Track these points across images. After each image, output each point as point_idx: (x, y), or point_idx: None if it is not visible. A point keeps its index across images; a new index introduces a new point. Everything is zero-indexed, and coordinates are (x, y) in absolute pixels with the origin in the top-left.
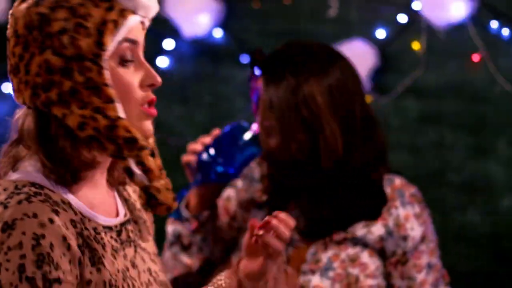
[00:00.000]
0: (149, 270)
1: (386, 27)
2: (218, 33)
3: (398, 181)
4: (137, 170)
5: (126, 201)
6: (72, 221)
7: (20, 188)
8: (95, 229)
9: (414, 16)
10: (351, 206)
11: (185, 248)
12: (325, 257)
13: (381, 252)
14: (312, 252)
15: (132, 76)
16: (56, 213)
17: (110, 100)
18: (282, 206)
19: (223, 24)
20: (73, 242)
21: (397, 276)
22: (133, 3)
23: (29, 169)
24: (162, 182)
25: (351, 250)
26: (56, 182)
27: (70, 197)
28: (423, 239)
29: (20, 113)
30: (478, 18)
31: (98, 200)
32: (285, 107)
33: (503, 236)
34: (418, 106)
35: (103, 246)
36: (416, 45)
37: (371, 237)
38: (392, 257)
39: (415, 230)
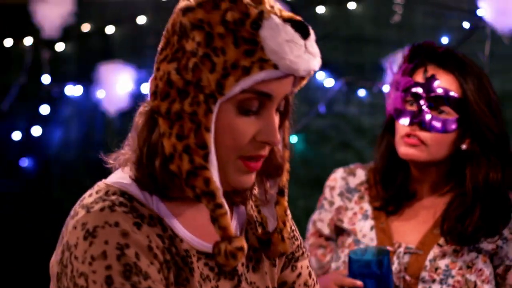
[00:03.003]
0: None
1: (450, 33)
2: None
3: None
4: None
5: (249, 225)
6: (159, 235)
7: (109, 195)
8: (186, 251)
9: (479, 22)
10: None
11: None
12: (443, 264)
13: (491, 258)
14: (430, 259)
15: (247, 126)
16: (138, 226)
17: (203, 146)
18: (396, 211)
19: None
20: (160, 254)
21: (501, 283)
22: (278, 59)
23: (127, 177)
24: (287, 231)
25: (467, 257)
26: (150, 194)
27: (164, 212)
28: None
29: (142, 105)
30: None
31: (200, 221)
32: None
33: None
34: None
35: (191, 270)
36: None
37: (488, 246)
38: (501, 264)
39: None
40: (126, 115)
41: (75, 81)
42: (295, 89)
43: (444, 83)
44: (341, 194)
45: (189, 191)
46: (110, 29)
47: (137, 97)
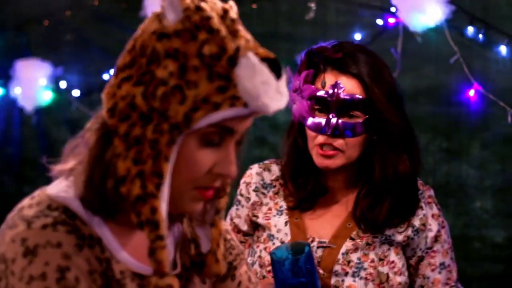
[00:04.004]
0: None
1: (363, 30)
2: None
3: (419, 182)
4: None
5: (183, 242)
6: (97, 258)
7: (52, 209)
8: (121, 272)
9: (391, 19)
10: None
11: None
12: (355, 257)
13: (404, 250)
14: (342, 253)
15: (206, 159)
16: (80, 248)
17: (159, 175)
18: (311, 208)
19: None
20: (98, 279)
21: (414, 274)
22: (251, 99)
23: (70, 191)
24: (220, 252)
25: (379, 249)
26: (93, 213)
27: (104, 232)
28: (437, 238)
29: (96, 115)
30: (454, 22)
31: (139, 242)
32: None
33: (474, 238)
34: None
35: None
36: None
37: (399, 236)
38: (413, 255)
39: (433, 230)
40: (43, 111)
41: None
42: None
43: (348, 87)
44: (256, 190)
45: (134, 216)
46: (26, 26)
47: (54, 93)
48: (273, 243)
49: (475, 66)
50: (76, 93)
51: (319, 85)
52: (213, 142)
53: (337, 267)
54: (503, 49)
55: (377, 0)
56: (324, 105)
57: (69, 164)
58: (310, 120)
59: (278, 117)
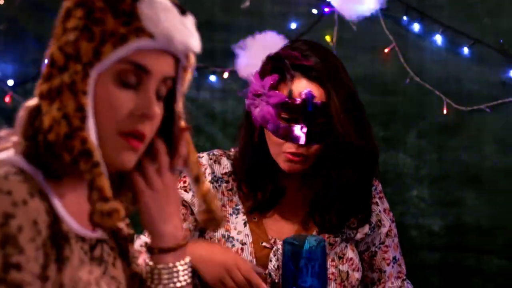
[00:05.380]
0: None
1: (299, 19)
2: None
3: None
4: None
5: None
6: (46, 211)
7: (1, 166)
8: (66, 232)
9: (327, 8)
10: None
11: None
12: None
13: (357, 245)
14: None
15: (124, 99)
16: (32, 195)
17: (80, 109)
18: (268, 210)
19: None
20: (44, 230)
21: (368, 268)
22: (153, 26)
23: (13, 156)
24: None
25: (338, 248)
26: (37, 169)
27: (49, 191)
28: (388, 233)
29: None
30: (390, 11)
31: (82, 208)
32: None
33: (410, 226)
34: None
35: (71, 250)
36: (328, 37)
37: (358, 234)
38: (367, 250)
39: (386, 226)
40: None
41: None
42: (182, 87)
43: (317, 96)
44: (211, 181)
45: (66, 155)
46: None
47: None
48: (233, 245)
49: (411, 55)
50: (10, 82)
51: (285, 92)
52: (130, 82)
53: None
54: (438, 39)
55: None
56: (292, 113)
57: (3, 145)
58: (277, 127)
59: (214, 107)
